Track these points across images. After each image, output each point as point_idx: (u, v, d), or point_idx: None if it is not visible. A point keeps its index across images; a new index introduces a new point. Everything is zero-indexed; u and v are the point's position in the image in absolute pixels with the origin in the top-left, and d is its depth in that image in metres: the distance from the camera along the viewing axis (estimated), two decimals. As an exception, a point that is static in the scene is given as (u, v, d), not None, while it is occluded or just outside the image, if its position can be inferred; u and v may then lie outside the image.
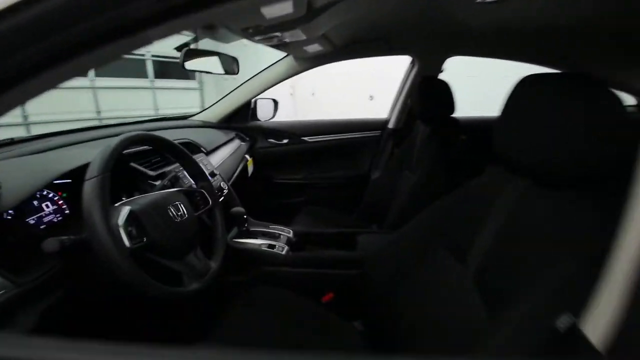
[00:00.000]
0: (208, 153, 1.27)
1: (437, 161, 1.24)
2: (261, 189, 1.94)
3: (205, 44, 1.06)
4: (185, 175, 0.89)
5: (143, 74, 5.89)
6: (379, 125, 1.92)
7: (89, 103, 5.20)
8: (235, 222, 1.15)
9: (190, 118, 1.73)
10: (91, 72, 5.02)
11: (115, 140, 0.62)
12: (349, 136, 1.92)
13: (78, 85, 4.95)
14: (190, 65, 1.09)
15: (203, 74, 6.60)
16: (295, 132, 1.89)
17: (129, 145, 0.65)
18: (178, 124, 1.56)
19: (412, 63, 1.68)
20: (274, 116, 1.91)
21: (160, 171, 0.93)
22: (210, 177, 1.17)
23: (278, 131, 1.89)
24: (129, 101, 5.58)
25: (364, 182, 1.91)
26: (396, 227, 1.29)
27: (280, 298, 0.96)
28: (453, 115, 1.29)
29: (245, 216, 1.12)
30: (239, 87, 1.69)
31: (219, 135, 1.57)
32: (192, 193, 0.81)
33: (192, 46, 1.04)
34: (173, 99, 6.21)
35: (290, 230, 1.25)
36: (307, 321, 0.87)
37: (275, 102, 1.91)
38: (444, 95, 1.27)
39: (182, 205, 0.72)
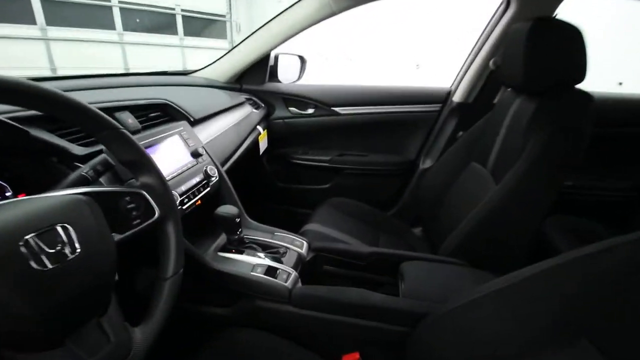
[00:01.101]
0: (195, 122, 0.90)
1: (543, 158, 0.77)
2: (274, 170, 1.56)
3: None
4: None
5: (173, 31, 5.60)
6: (438, 97, 1.43)
7: (118, 59, 5.05)
8: (223, 226, 0.79)
9: (192, 74, 1.35)
10: (119, 26, 4.81)
11: None
12: (395, 109, 1.46)
13: (106, 39, 4.78)
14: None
15: (234, 32, 6.19)
16: (325, 100, 1.45)
17: None
18: (172, 80, 1.19)
19: (506, 3, 1.13)
20: (300, 78, 1.50)
21: (94, 148, 0.57)
22: (192, 158, 0.80)
23: (302, 97, 1.46)
24: (157, 59, 5.36)
25: (409, 171, 1.48)
26: (459, 254, 0.88)
27: (277, 351, 0.65)
28: (579, 85, 0.79)
29: (238, 219, 0.76)
30: (253, 34, 1.26)
31: (224, 98, 1.19)
32: (116, 197, 0.44)
33: None
34: (206, 59, 5.90)
35: (304, 242, 0.87)
36: None
37: (303, 60, 1.49)
38: (571, 50, 0.76)
39: (71, 230, 0.35)
